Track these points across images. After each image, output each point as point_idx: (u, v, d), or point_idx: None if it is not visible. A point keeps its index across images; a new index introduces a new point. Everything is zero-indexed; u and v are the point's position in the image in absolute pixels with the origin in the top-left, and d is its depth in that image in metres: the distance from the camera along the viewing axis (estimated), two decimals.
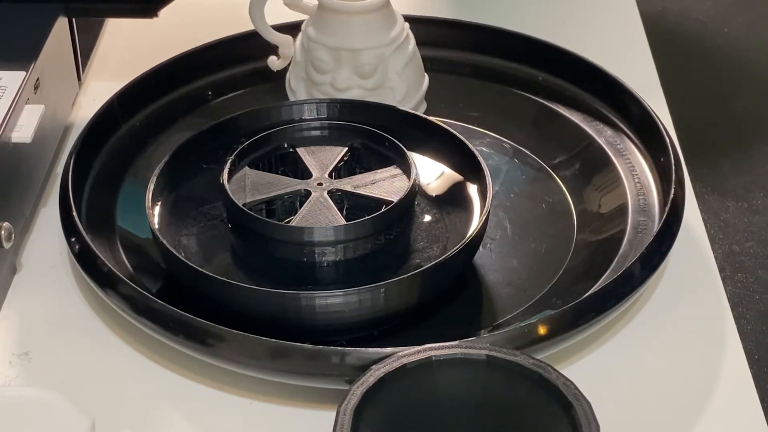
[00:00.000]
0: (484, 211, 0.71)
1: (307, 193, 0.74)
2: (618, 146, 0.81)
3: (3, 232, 0.70)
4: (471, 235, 0.70)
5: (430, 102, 0.86)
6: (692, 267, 0.75)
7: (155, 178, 0.74)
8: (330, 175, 0.75)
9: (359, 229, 0.70)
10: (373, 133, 0.77)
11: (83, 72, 0.90)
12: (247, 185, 0.74)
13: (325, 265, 0.71)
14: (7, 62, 0.77)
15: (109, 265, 0.69)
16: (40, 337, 0.71)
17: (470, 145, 0.76)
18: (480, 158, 0.75)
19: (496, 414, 0.60)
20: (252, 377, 0.66)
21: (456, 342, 0.62)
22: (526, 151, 0.83)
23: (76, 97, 0.89)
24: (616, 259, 0.72)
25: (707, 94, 0.98)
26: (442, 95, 0.87)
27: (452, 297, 0.72)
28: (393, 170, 0.75)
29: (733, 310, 0.73)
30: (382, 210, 0.72)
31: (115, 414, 0.66)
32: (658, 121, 0.79)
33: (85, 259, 0.70)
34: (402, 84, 0.83)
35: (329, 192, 0.74)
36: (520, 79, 0.87)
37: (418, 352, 0.61)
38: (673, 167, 0.75)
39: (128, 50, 0.96)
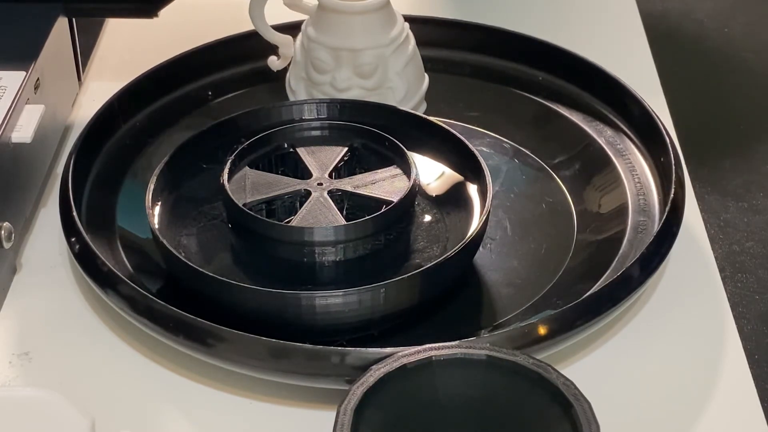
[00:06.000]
0: (484, 211, 0.71)
1: (307, 193, 0.74)
2: (618, 146, 0.81)
3: (3, 232, 0.70)
4: (471, 235, 0.70)
5: (430, 102, 0.86)
6: (692, 267, 0.75)
7: (155, 178, 0.74)
8: (330, 175, 0.75)
9: (359, 229, 0.70)
10: (373, 133, 0.77)
11: (83, 72, 0.90)
12: (247, 185, 0.74)
13: (325, 265, 0.71)
14: (7, 62, 0.77)
15: (109, 265, 0.69)
16: (40, 337, 0.71)
17: (470, 145, 0.76)
18: (480, 158, 0.75)
19: (496, 414, 0.60)
20: (252, 377, 0.66)
21: (456, 342, 0.62)
22: (526, 151, 0.83)
23: (76, 97, 0.89)
24: (616, 260, 0.72)
25: (707, 94, 0.98)
26: (442, 95, 0.87)
27: (452, 297, 0.72)
28: (393, 170, 0.75)
29: (733, 310, 0.73)
30: (382, 210, 0.72)
31: (115, 414, 0.66)
32: (658, 121, 0.79)
33: (85, 259, 0.70)
34: (402, 84, 0.83)
35: (329, 192, 0.74)
36: (520, 79, 0.87)
37: (418, 352, 0.61)
38: (673, 167, 0.75)
39: (128, 50, 0.96)
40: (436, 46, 0.89)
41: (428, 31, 0.89)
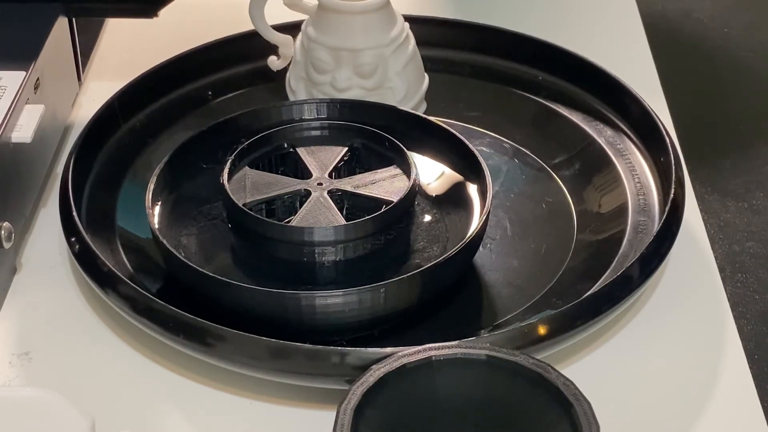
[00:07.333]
0: (484, 211, 0.71)
1: (307, 193, 0.74)
2: (618, 146, 0.81)
3: (3, 232, 0.70)
4: (471, 235, 0.70)
5: (430, 102, 0.86)
6: (692, 267, 0.75)
7: (155, 178, 0.74)
8: (330, 175, 0.75)
9: (359, 229, 0.70)
10: (373, 133, 0.77)
11: (83, 72, 0.90)
12: (247, 185, 0.74)
13: (325, 265, 0.71)
14: (7, 62, 0.77)
15: (109, 265, 0.69)
16: (40, 337, 0.71)
17: (470, 145, 0.76)
18: (480, 158, 0.75)
19: (496, 414, 0.60)
20: (252, 377, 0.66)
21: (456, 342, 0.62)
22: (526, 151, 0.83)
23: (76, 97, 0.89)
24: (616, 259, 0.72)
25: (707, 94, 0.98)
26: (442, 95, 0.87)
27: (452, 297, 0.72)
28: (393, 170, 0.75)
29: (733, 310, 0.73)
30: (382, 210, 0.72)
31: (115, 414, 0.66)
32: (658, 121, 0.79)
33: (85, 259, 0.70)
34: (402, 84, 0.83)
35: (329, 192, 0.74)
36: (520, 79, 0.87)
37: (418, 352, 0.61)
38: (673, 167, 0.75)
39: (128, 50, 0.96)
40: (436, 46, 0.89)
41: (428, 31, 0.89)
